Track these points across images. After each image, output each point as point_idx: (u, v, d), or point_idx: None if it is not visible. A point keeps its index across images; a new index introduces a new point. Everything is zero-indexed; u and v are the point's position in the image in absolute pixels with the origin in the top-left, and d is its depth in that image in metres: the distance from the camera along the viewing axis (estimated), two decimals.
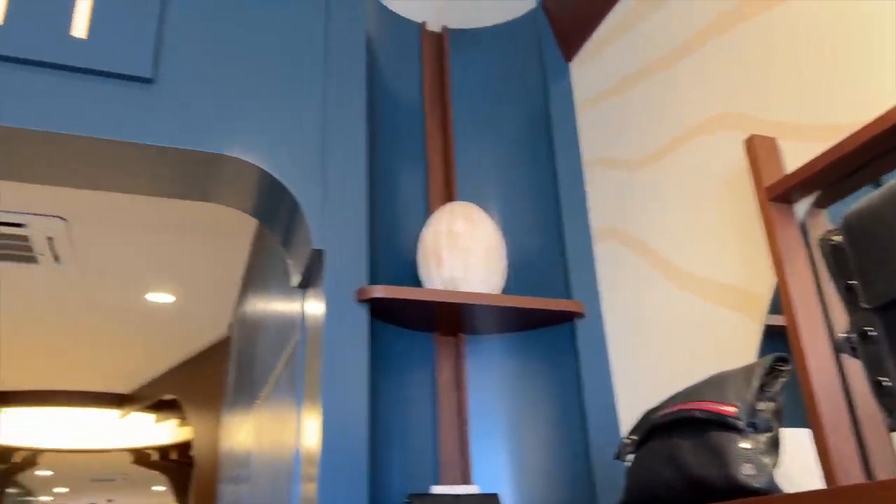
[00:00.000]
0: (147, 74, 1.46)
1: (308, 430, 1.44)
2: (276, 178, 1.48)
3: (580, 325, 1.57)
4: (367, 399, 1.37)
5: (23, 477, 9.29)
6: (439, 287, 1.54)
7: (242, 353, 3.48)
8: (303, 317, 1.66)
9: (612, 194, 1.64)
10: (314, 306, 1.53)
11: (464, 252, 1.53)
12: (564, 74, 1.86)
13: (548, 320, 1.61)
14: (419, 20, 1.95)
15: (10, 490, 9.14)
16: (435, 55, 1.94)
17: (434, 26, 1.97)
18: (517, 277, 1.67)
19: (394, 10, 1.92)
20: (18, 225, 3.09)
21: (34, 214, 3.03)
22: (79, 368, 5.41)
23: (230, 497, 3.16)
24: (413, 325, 1.61)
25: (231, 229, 3.28)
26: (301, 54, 1.62)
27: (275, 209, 1.58)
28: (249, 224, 3.27)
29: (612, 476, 1.42)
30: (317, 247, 1.46)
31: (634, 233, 1.53)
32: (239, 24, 1.61)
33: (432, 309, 1.52)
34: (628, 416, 1.48)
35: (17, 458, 7.68)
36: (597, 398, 1.52)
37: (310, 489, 1.35)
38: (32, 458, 7.88)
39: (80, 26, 1.44)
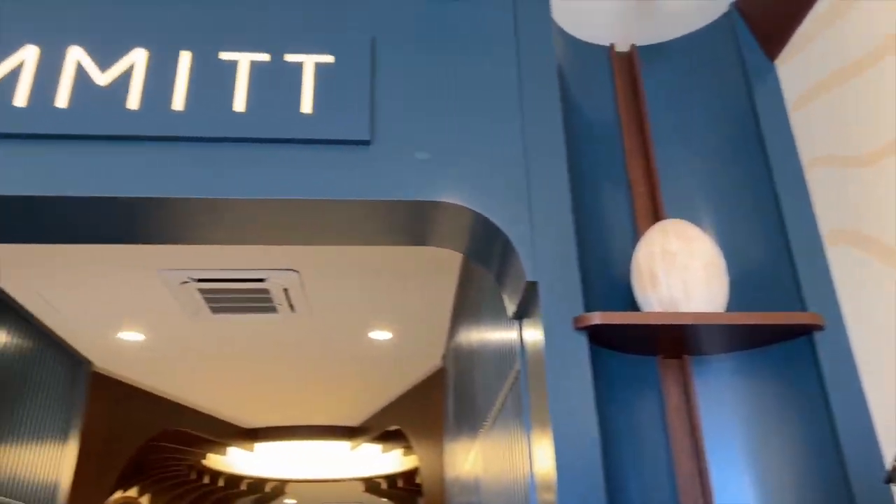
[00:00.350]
0: (365, 137, 1.61)
1: (540, 457, 1.48)
2: (487, 218, 1.56)
3: (820, 338, 1.46)
4: (596, 425, 1.38)
5: None
6: (658, 309, 1.51)
7: (459, 382, 3.63)
8: (521, 346, 1.71)
9: (839, 194, 1.51)
10: (532, 336, 1.57)
11: (681, 271, 1.50)
12: (770, 74, 1.76)
13: (780, 335, 1.51)
14: (606, 43, 1.96)
15: None
16: (626, 75, 1.93)
17: (622, 46, 1.96)
18: (741, 292, 1.59)
19: (581, 38, 1.94)
20: (260, 280, 3.51)
21: (272, 269, 3.42)
22: (313, 404, 5.94)
23: None
24: (633, 350, 1.60)
25: (439, 267, 3.46)
26: (497, 97, 1.70)
27: (487, 247, 1.66)
28: (455, 260, 3.43)
29: (879, 502, 1.29)
30: (530, 279, 1.51)
31: (872, 233, 1.40)
32: (438, 78, 1.72)
33: (653, 332, 1.49)
34: (890, 435, 1.34)
35: (268, 489, 8.57)
36: (849, 416, 1.39)
37: None
38: (281, 488, 8.75)
39: (307, 104, 1.63)
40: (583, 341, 1.45)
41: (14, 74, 1.61)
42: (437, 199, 1.57)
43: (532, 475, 1.59)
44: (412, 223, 1.68)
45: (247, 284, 3.53)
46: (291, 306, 3.81)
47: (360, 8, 1.80)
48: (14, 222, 1.68)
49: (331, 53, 1.69)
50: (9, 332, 3.54)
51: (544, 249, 1.53)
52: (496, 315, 2.28)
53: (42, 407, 3.87)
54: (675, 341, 1.55)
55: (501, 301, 2.16)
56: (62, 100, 1.59)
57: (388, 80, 1.71)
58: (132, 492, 6.88)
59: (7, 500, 3.47)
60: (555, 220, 1.56)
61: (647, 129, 1.83)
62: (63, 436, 4.11)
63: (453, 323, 3.96)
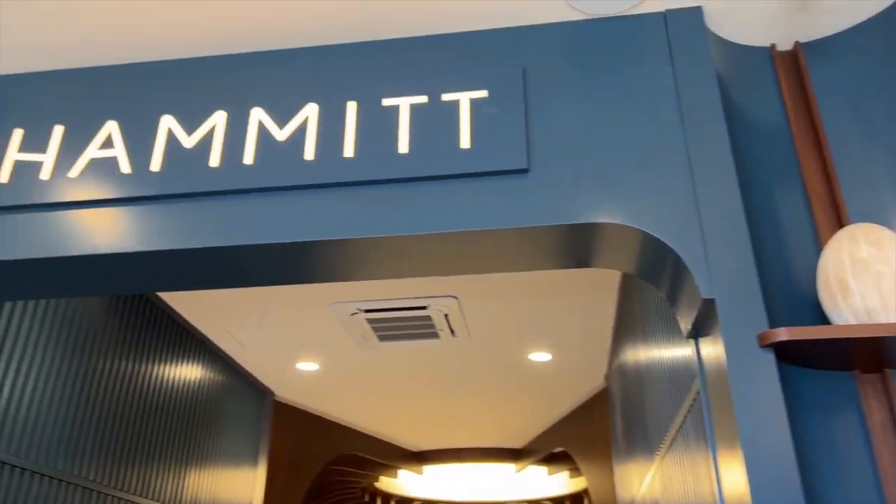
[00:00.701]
0: (523, 166, 1.64)
1: (730, 480, 1.41)
2: (656, 237, 1.53)
3: None
4: (791, 446, 1.30)
5: None
6: (851, 321, 1.40)
7: (626, 402, 3.54)
8: (700, 365, 1.65)
9: None
10: (712, 354, 1.51)
11: (875, 278, 1.38)
12: None
13: None
14: (767, 44, 1.87)
15: None
16: (792, 74, 1.82)
17: (784, 45, 1.86)
18: None
19: (738, 41, 1.87)
20: (422, 308, 3.64)
21: (432, 297, 3.54)
22: (477, 427, 6.02)
23: None
24: (825, 366, 1.49)
25: (597, 286, 3.42)
26: (656, 113, 1.67)
27: (657, 266, 1.63)
28: (613, 278, 3.37)
29: None
30: (706, 297, 1.46)
31: None
32: (592, 100, 1.72)
33: (848, 346, 1.39)
34: None
35: None
36: None
37: None
38: None
39: (465, 139, 1.69)
40: (769, 359, 1.38)
41: (208, 138, 1.81)
42: (601, 221, 1.57)
43: (721, 499, 1.52)
44: (575, 246, 1.68)
45: (410, 312, 3.68)
46: (452, 331, 3.91)
47: (510, 40, 1.84)
48: (209, 270, 1.87)
49: (484, 88, 1.75)
50: (205, 367, 3.92)
51: (720, 265, 1.48)
52: (666, 332, 2.22)
53: (235, 434, 4.23)
54: (874, 354, 1.43)
55: (670, 318, 2.10)
56: (248, 156, 1.76)
57: (542, 108, 1.73)
58: None
59: None
60: (728, 233, 1.51)
61: (820, 129, 1.71)
62: (253, 460, 4.46)
63: (615, 341, 3.88)
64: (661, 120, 1.66)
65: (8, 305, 2.48)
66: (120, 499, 3.03)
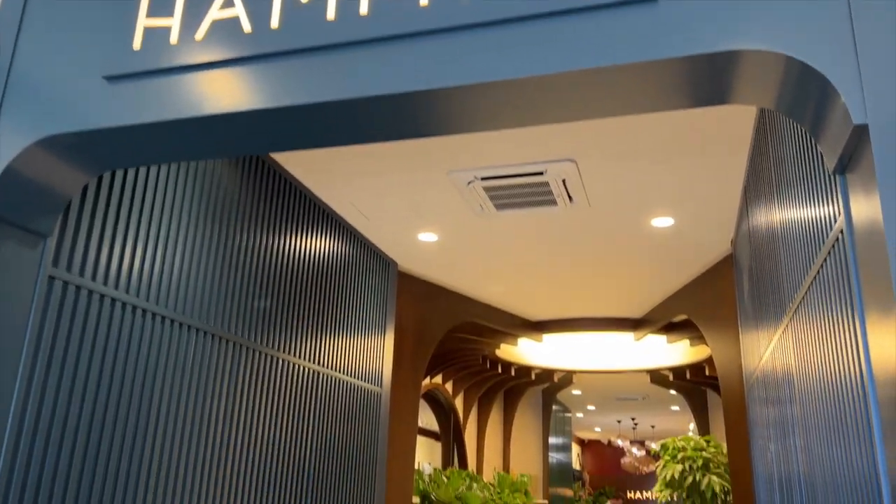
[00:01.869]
0: None
1: (882, 345, 1.32)
2: (800, 60, 1.39)
3: None
4: None
5: (561, 395, 10.89)
6: None
7: (755, 265, 3.40)
8: (846, 205, 1.53)
9: None
10: (861, 192, 1.40)
11: None
12: None
13: None
14: None
15: (554, 407, 10.80)
16: None
17: None
18: None
19: None
20: (539, 174, 3.59)
21: (549, 161, 3.48)
22: (596, 296, 6.04)
23: (772, 419, 3.13)
24: None
25: (724, 143, 3.22)
26: None
27: (801, 95, 1.49)
28: (743, 136, 3.15)
29: None
30: (858, 122, 1.33)
31: None
32: None
33: None
34: None
35: (555, 379, 9.03)
36: None
37: None
38: (567, 378, 9.17)
39: None
40: None
41: None
42: (739, 48, 1.45)
43: (870, 366, 1.43)
44: (710, 79, 1.56)
45: (527, 179, 3.65)
46: (570, 197, 3.85)
47: None
48: (330, 126, 1.90)
49: None
50: (332, 238, 4.12)
51: (875, 87, 1.33)
52: (805, 182, 2.07)
53: (364, 303, 4.48)
54: None
55: (811, 166, 1.95)
56: (364, 6, 1.74)
57: None
58: (437, 379, 7.75)
59: (346, 377, 4.13)
60: (887, 52, 1.35)
61: None
62: (382, 328, 4.73)
63: (744, 202, 3.69)
64: None
65: (153, 179, 2.66)
66: (267, 355, 3.33)
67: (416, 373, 5.10)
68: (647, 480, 17.64)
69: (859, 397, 1.52)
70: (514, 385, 9.32)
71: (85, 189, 2.33)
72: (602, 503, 15.35)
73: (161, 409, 2.63)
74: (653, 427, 14.85)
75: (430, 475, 6.44)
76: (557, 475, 11.18)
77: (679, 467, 6.39)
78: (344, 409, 4.11)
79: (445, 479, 6.26)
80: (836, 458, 1.75)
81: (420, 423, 8.58)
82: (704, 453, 6.43)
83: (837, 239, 1.69)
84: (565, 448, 12.32)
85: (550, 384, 9.61)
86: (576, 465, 16.79)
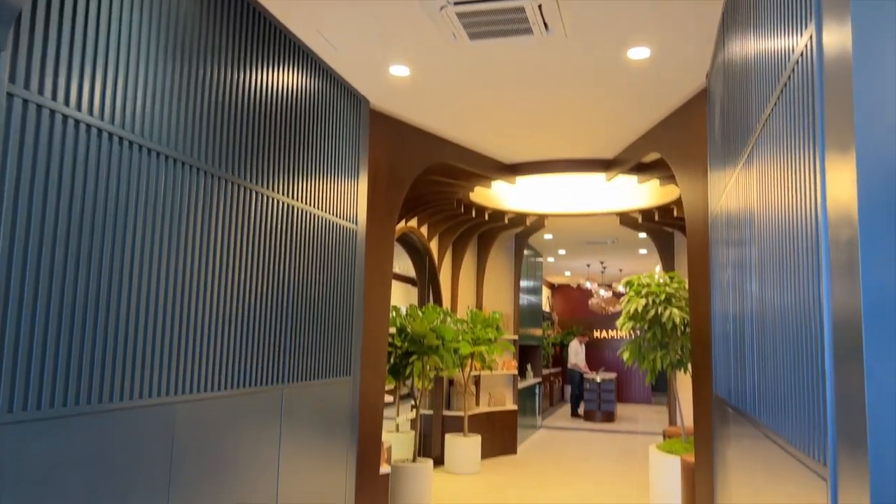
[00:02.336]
0: None
1: (837, 184, 1.34)
2: None
3: None
4: None
5: (533, 240, 11.17)
6: None
7: (727, 99, 3.40)
8: (818, 19, 1.50)
9: None
10: (836, 22, 1.37)
11: None
12: None
13: None
14: None
15: (526, 251, 11.09)
16: None
17: None
18: None
19: None
20: None
21: None
22: (569, 137, 6.04)
23: (730, 259, 3.24)
24: None
25: None
26: None
27: None
28: None
29: None
30: None
31: None
32: None
33: None
34: None
35: (528, 223, 9.21)
36: None
37: (847, 253, 1.30)
38: (539, 222, 9.35)
39: None
40: None
41: None
42: None
43: (825, 206, 1.47)
44: None
45: (501, 4, 3.51)
46: (546, 25, 3.74)
47: None
48: None
49: None
50: (301, 72, 3.99)
51: None
52: (779, 12, 2.02)
53: (336, 139, 4.43)
54: None
55: None
56: None
57: None
58: (413, 223, 7.86)
59: (321, 212, 4.18)
60: None
61: None
62: (355, 165, 4.72)
63: (722, 32, 3.61)
64: None
65: (116, 14, 2.52)
66: (240, 186, 3.33)
67: (390, 212, 5.16)
68: (612, 321, 18.61)
69: (811, 231, 1.56)
70: (488, 229, 9.52)
71: (36, 4, 2.20)
72: (569, 341, 16.28)
73: (134, 241, 2.65)
74: (620, 270, 15.43)
75: (406, 311, 6.72)
76: (528, 316, 11.73)
77: (643, 301, 6.72)
78: (321, 246, 4.19)
79: (421, 314, 6.54)
80: (786, 295, 1.83)
81: (398, 270, 8.83)
82: (668, 288, 6.76)
83: (799, 62, 1.68)
84: (536, 291, 12.83)
85: (523, 228, 9.82)
86: (546, 308, 17.57)
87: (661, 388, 18.45)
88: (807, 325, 1.58)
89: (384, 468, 4.97)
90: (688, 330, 6.96)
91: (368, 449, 4.80)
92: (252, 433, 3.42)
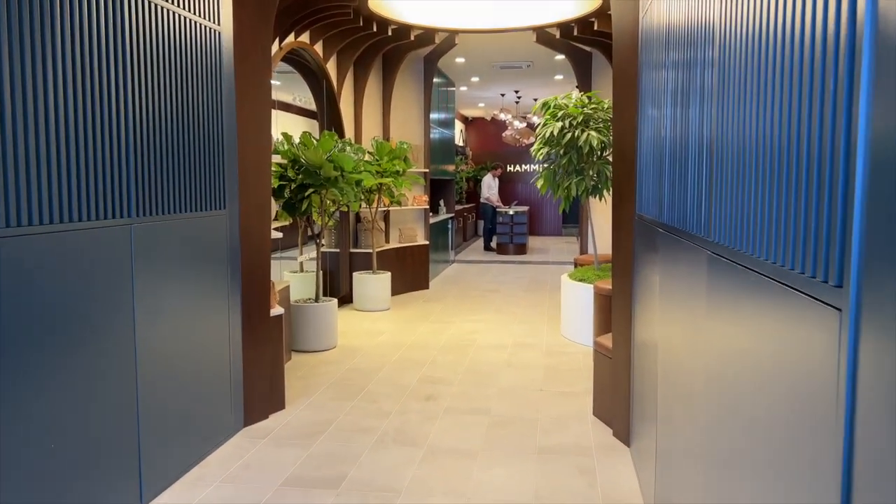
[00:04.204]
0: None
1: None
2: None
3: None
4: None
5: (444, 64, 10.30)
6: None
7: None
8: None
9: None
10: None
11: None
12: None
13: None
14: None
15: (437, 79, 10.25)
16: None
17: None
18: None
19: None
20: None
21: None
22: None
23: (672, 82, 2.66)
24: None
25: None
26: None
27: None
28: None
29: None
30: None
31: None
32: None
33: None
34: None
35: (437, 40, 8.33)
36: None
37: None
38: (450, 41, 8.49)
39: None
40: None
41: None
42: None
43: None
44: None
45: None
46: None
47: None
48: None
49: None
50: None
51: None
52: None
53: None
54: None
55: None
56: None
57: None
58: (304, 38, 6.86)
59: (173, 6, 3.28)
60: None
61: None
62: None
63: None
64: None
65: None
66: None
67: (264, 12, 4.25)
68: (525, 155, 18.30)
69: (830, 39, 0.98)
70: (393, 49, 8.58)
71: None
72: (483, 176, 15.88)
73: None
74: (535, 100, 14.79)
75: (299, 139, 5.94)
76: (440, 150, 11.11)
77: (559, 125, 6.20)
78: (172, 50, 3.33)
79: (315, 143, 5.79)
80: (772, 118, 1.26)
81: (296, 101, 7.91)
82: (586, 110, 6.23)
83: None
84: (448, 124, 12.12)
85: (433, 48, 8.92)
86: (459, 142, 16.97)
87: (572, 219, 18.68)
88: (814, 150, 1.05)
89: (276, 310, 4.48)
90: (605, 154, 6.56)
91: (255, 290, 4.26)
92: (92, 277, 2.78)
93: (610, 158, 6.55)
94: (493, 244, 14.48)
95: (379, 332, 6.84)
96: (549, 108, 6.50)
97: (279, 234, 4.64)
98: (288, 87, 8.40)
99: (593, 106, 6.37)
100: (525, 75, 11.80)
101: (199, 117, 3.60)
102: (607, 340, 4.27)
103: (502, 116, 14.47)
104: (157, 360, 3.26)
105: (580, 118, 6.23)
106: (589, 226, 7.17)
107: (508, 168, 18.64)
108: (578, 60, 8.86)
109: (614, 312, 4.01)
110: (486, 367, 5.54)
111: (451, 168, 12.26)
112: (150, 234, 3.18)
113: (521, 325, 7.13)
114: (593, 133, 6.12)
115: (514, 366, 5.57)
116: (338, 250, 8.28)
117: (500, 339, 6.50)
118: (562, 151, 6.37)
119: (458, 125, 16.99)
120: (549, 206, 18.36)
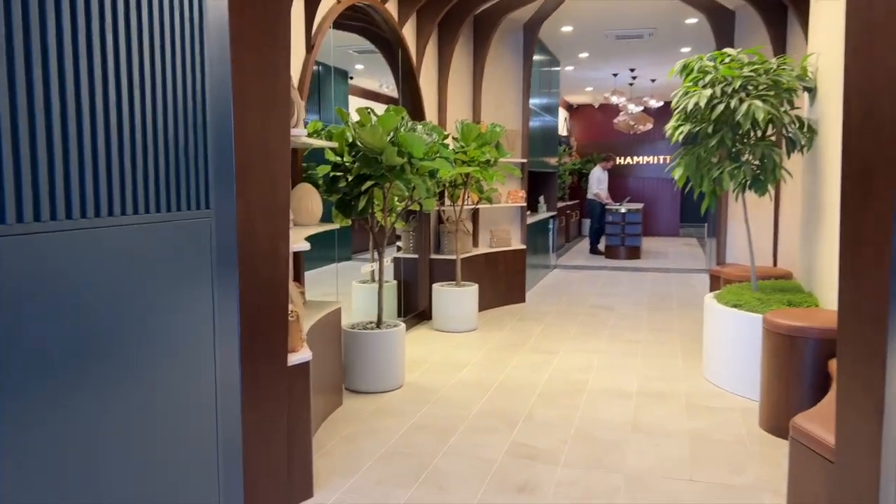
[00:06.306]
0: None
1: None
2: None
3: None
4: None
5: (547, 34, 8.69)
6: None
7: None
8: None
9: None
10: None
11: None
12: None
13: None
14: None
15: (539, 56, 8.65)
16: None
17: None
18: None
19: None
20: None
21: None
22: None
23: None
24: None
25: None
26: None
27: None
28: None
29: None
30: None
31: None
32: None
33: None
34: None
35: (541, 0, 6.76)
36: None
37: None
38: (554, 2, 6.90)
39: None
40: None
41: None
42: None
43: None
44: None
45: None
46: None
47: None
48: None
49: None
50: None
51: None
52: None
53: None
54: None
55: None
56: None
57: None
58: None
59: None
60: None
61: None
62: None
63: None
64: None
65: None
66: None
67: None
68: (639, 145, 16.30)
69: None
70: (487, 10, 7.07)
71: None
72: (589, 169, 14.05)
73: None
74: (653, 81, 12.85)
75: (358, 118, 4.56)
76: (540, 140, 9.51)
77: (708, 92, 4.52)
78: None
79: (374, 120, 4.38)
80: None
81: (382, 90, 6.59)
82: (745, 72, 4.51)
83: None
84: (552, 110, 10.49)
85: (534, 13, 7.36)
86: (563, 132, 15.25)
87: (692, 218, 16.54)
88: None
89: (300, 353, 3.08)
90: (772, 132, 4.80)
91: (260, 324, 2.88)
92: None
93: (773, 139, 4.77)
94: (601, 246, 12.67)
95: (460, 363, 5.36)
96: (691, 71, 4.80)
97: (305, 246, 3.23)
98: (371, 72, 7.06)
99: (755, 67, 4.61)
100: (644, 48, 9.96)
101: (160, 77, 2.22)
102: (819, 426, 2.60)
103: (614, 100, 12.64)
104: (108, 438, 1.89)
105: (738, 83, 4.49)
106: (744, 228, 5.40)
107: (618, 161, 16.68)
108: (719, 21, 7.03)
109: (841, 381, 2.33)
110: (604, 431, 3.94)
111: (552, 161, 10.61)
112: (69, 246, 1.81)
113: (648, 361, 5.44)
114: (757, 102, 4.37)
115: (645, 430, 3.94)
116: (416, 256, 6.86)
117: (621, 383, 4.86)
118: (710, 129, 4.65)
119: (562, 113, 15.26)
120: (664, 203, 16.30)
